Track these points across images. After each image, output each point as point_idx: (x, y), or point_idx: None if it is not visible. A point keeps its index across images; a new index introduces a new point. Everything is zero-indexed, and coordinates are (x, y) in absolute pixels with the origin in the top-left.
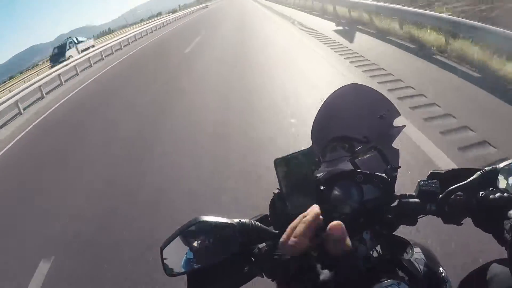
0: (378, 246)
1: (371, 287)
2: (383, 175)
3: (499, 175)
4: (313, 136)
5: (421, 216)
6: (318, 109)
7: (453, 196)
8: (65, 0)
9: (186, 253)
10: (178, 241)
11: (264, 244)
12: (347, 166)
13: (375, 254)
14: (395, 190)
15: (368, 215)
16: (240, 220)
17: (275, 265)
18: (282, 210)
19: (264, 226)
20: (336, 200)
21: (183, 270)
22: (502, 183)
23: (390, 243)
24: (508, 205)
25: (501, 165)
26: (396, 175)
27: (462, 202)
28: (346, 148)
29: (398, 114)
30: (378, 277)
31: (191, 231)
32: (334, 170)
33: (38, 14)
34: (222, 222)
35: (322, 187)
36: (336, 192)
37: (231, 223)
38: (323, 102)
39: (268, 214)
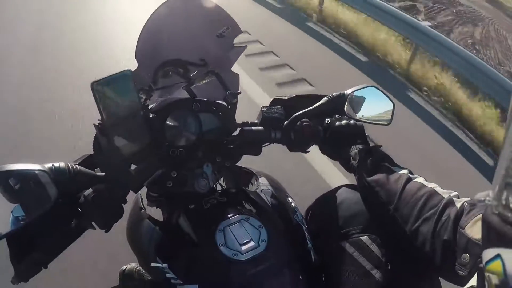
0: (222, 180)
1: (218, 223)
2: (223, 102)
3: (346, 101)
4: (138, 58)
5: (266, 144)
6: (143, 25)
7: (298, 123)
8: None
9: None
10: None
11: (90, 190)
12: (183, 94)
13: (218, 188)
14: (236, 118)
15: (207, 147)
16: (53, 165)
17: (106, 213)
18: (106, 147)
19: (87, 170)
20: (171, 132)
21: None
22: (348, 109)
23: (234, 175)
24: (354, 132)
25: (348, 91)
26: (236, 102)
27: (308, 129)
28: (181, 73)
29: (239, 31)
30: (225, 213)
31: None
32: (167, 99)
33: None
34: (29, 170)
35: (152, 116)
36: (170, 123)
37: (41, 170)
38: (150, 14)
39: (93, 154)
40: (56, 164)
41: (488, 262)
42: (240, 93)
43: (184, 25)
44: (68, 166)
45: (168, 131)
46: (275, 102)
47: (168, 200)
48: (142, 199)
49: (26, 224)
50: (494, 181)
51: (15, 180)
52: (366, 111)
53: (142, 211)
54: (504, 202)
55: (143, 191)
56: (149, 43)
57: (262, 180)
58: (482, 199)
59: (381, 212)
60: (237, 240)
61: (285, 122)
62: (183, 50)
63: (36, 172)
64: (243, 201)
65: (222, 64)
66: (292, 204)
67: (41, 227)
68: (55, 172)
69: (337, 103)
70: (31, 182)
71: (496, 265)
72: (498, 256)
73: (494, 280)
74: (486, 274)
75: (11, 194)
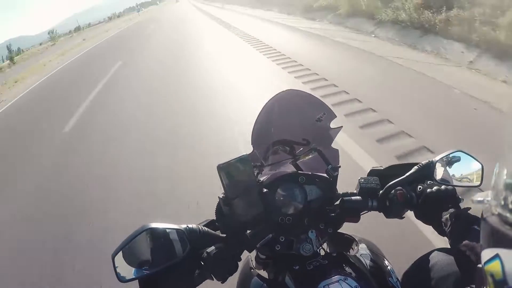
0: (325, 244)
1: (319, 282)
2: (325, 175)
3: (436, 167)
4: (253, 141)
5: (364, 212)
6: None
7: (392, 191)
8: None
9: (136, 260)
10: (128, 248)
11: (212, 247)
12: (290, 168)
13: (322, 252)
14: (337, 189)
15: (312, 215)
16: (187, 226)
17: (224, 267)
18: (227, 215)
19: (212, 231)
20: (280, 202)
21: (134, 276)
22: (438, 175)
23: (336, 240)
24: (445, 196)
25: (437, 158)
26: (337, 175)
27: (402, 197)
28: (288, 151)
29: (334, 116)
30: (326, 274)
31: (140, 238)
32: (277, 173)
33: None
34: (171, 228)
35: (265, 190)
36: (280, 194)
37: (179, 229)
38: (262, 108)
39: (215, 219)
40: (190, 225)
41: (487, 262)
42: (340, 166)
43: (289, 113)
44: (199, 228)
45: (278, 201)
46: (371, 173)
47: (274, 261)
48: (252, 260)
49: (160, 270)
50: (493, 182)
51: (160, 235)
52: (456, 175)
53: (252, 270)
54: (503, 203)
55: (253, 254)
56: (261, 129)
57: (362, 245)
58: (481, 199)
59: (473, 273)
60: None
61: (381, 191)
62: (289, 132)
63: (176, 230)
64: (343, 264)
65: (323, 142)
66: (389, 267)
67: (172, 274)
68: (189, 232)
69: (427, 170)
70: (172, 237)
71: (495, 265)
72: (496, 256)
73: (493, 280)
74: (485, 274)
75: (141, 247)
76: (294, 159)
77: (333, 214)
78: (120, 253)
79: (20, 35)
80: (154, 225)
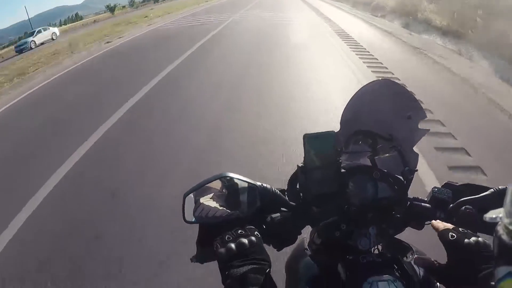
0: (380, 245)
1: (369, 276)
2: (400, 177)
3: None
4: (341, 123)
5: (428, 222)
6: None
7: (463, 207)
8: None
9: (204, 206)
10: (200, 191)
11: (278, 214)
12: (366, 161)
13: (376, 252)
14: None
15: (377, 212)
16: (262, 184)
17: (284, 236)
18: (302, 184)
19: (283, 197)
20: (351, 191)
21: (196, 220)
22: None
23: (392, 244)
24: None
25: None
26: (412, 178)
27: (470, 216)
28: (369, 143)
29: (424, 116)
30: (377, 271)
31: (214, 184)
32: (354, 163)
33: None
34: (246, 182)
35: (343, 171)
36: (352, 183)
37: (254, 185)
38: (355, 93)
39: (286, 189)
40: (264, 184)
41: (500, 280)
42: (417, 170)
43: (379, 104)
44: (272, 189)
45: (349, 189)
46: (446, 185)
47: (327, 249)
48: (306, 242)
49: (222, 221)
50: (506, 199)
51: (234, 186)
52: None
53: (306, 250)
54: None
55: (307, 238)
56: (350, 113)
57: (418, 254)
58: (494, 216)
59: None
60: None
61: (451, 205)
62: (375, 124)
63: (250, 184)
64: (395, 266)
65: (405, 142)
66: (437, 284)
67: (232, 227)
68: (262, 190)
69: (502, 196)
70: (244, 191)
71: (508, 284)
72: (510, 274)
73: None
74: None
75: (224, 194)
76: (372, 153)
77: (398, 216)
78: (192, 194)
79: (56, 6)
80: (231, 174)
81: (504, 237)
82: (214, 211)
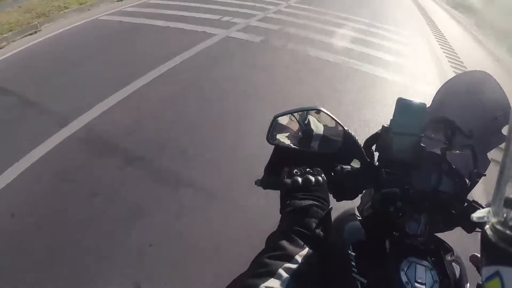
0: (423, 238)
1: (409, 255)
2: (466, 178)
3: None
4: (433, 101)
5: (479, 230)
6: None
7: None
8: None
9: (290, 131)
10: (291, 116)
11: (348, 166)
12: (436, 151)
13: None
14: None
15: (434, 204)
16: (349, 130)
17: (348, 188)
18: (381, 145)
19: (361, 149)
20: (416, 175)
21: (277, 142)
22: None
23: (435, 241)
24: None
25: None
26: (477, 182)
27: None
28: (448, 134)
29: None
30: (419, 252)
31: (306, 114)
32: (424, 146)
33: None
34: (337, 122)
35: (420, 148)
36: (420, 166)
37: (342, 127)
38: (450, 78)
39: (363, 146)
40: (350, 131)
41: (487, 279)
42: (485, 175)
43: (471, 97)
44: (356, 138)
45: (415, 173)
46: None
47: (376, 222)
48: (356, 210)
49: (297, 151)
50: (493, 199)
51: (323, 122)
52: None
53: (355, 215)
54: (503, 220)
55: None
56: (441, 97)
57: (457, 259)
58: (482, 216)
59: None
60: (415, 276)
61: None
62: (460, 116)
63: (339, 125)
64: (434, 259)
65: (483, 144)
66: (467, 284)
67: (302, 161)
68: (347, 134)
69: None
70: (329, 131)
71: (495, 283)
72: (497, 273)
73: None
74: None
75: (301, 121)
76: (446, 146)
77: (453, 212)
78: (283, 118)
79: None
80: (325, 110)
81: (491, 236)
82: (296, 138)
